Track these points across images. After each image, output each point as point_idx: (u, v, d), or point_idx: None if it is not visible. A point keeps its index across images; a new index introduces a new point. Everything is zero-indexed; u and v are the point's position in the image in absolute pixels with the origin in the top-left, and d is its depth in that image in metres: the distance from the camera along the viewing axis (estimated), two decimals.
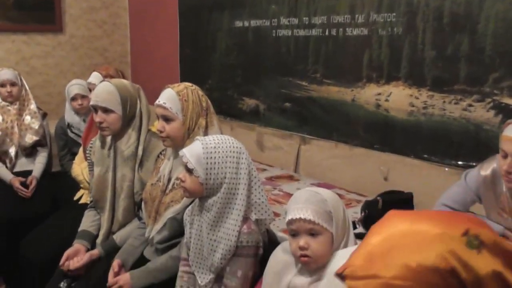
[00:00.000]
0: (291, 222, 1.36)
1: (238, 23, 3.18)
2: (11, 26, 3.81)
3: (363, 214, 1.68)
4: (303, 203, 1.36)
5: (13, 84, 3.01)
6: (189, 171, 1.57)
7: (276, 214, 1.79)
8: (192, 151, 1.58)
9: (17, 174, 2.99)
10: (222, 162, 1.58)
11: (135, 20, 4.32)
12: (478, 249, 0.81)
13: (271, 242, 1.72)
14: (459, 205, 1.77)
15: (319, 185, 2.42)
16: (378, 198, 1.68)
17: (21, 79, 3.10)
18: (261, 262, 1.60)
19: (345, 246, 1.40)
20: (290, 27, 2.79)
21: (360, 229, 1.68)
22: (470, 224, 0.84)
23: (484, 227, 0.86)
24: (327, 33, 2.60)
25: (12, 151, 3.02)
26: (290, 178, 2.56)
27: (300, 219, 1.34)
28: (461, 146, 2.10)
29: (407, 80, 2.27)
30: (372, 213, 1.66)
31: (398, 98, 2.31)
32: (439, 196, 1.83)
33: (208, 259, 1.62)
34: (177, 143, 1.82)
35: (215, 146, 1.58)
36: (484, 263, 0.80)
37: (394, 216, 0.92)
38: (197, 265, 1.67)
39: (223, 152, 1.59)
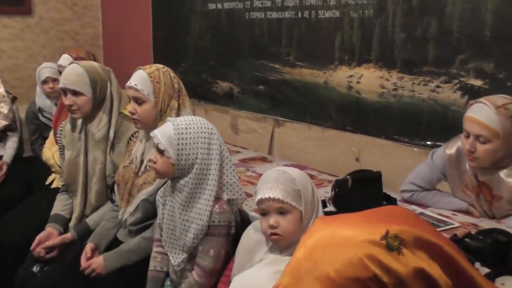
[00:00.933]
0: (260, 201, 1.38)
1: (211, 5, 3.15)
2: None
3: (333, 192, 1.71)
4: (272, 182, 1.38)
5: None
6: (161, 152, 1.58)
7: (249, 195, 1.81)
8: (163, 132, 1.58)
9: None
10: (194, 143, 1.58)
11: (107, 2, 4.24)
12: (398, 250, 0.82)
13: (244, 222, 1.74)
14: (426, 183, 1.82)
15: (291, 165, 2.45)
16: (348, 177, 1.71)
17: None
18: (234, 241, 1.62)
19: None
20: (263, 9, 2.79)
21: (330, 208, 1.71)
22: (390, 223, 0.85)
23: (405, 222, 0.87)
24: (299, 15, 2.60)
25: None
26: (263, 159, 2.58)
27: (269, 198, 1.36)
28: (430, 126, 2.15)
29: (377, 62, 2.30)
30: (342, 192, 1.69)
31: (369, 80, 2.35)
32: (408, 176, 1.89)
33: (180, 239, 1.63)
34: (149, 125, 1.81)
35: (186, 127, 1.59)
36: (405, 264, 0.81)
37: (319, 224, 0.94)
38: (170, 245, 1.68)
39: (194, 132, 1.59)
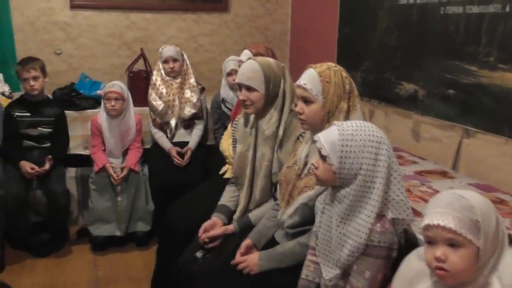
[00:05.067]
0: (427, 227, 1.17)
1: (403, 0, 2.90)
2: (184, 6, 4.09)
3: None
4: (444, 207, 1.15)
5: (175, 60, 3.23)
6: (323, 157, 1.47)
7: (419, 214, 1.59)
8: (327, 137, 1.47)
9: (175, 144, 3.22)
10: (359, 152, 1.43)
11: None
12: None
13: (409, 245, 1.53)
14: None
15: (477, 185, 2.10)
16: None
17: (182, 55, 3.30)
18: (395, 265, 1.43)
19: (496, 264, 1.17)
20: (462, 3, 2.44)
21: None
22: None
23: None
24: (507, 9, 2.20)
25: (173, 122, 3.26)
26: (444, 174, 2.27)
27: (438, 226, 1.14)
28: None
29: None
30: None
31: None
32: None
33: (335, 253, 1.51)
34: (316, 126, 1.72)
35: (353, 134, 1.45)
36: None
37: None
38: (323, 257, 1.57)
39: (361, 140, 1.44)
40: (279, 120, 2.02)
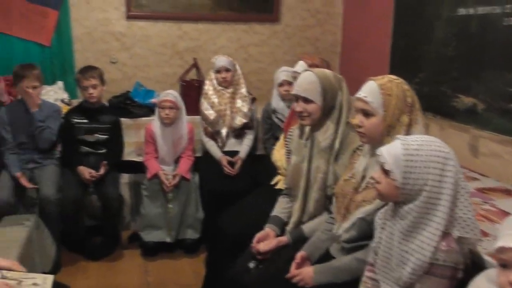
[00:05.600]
0: (502, 250, 1.12)
1: (462, 11, 2.83)
2: (234, 16, 4.14)
3: None
4: None
5: (227, 70, 3.26)
6: (385, 172, 1.44)
7: (485, 234, 1.53)
8: (390, 151, 1.44)
9: (226, 153, 3.25)
10: (424, 167, 1.40)
11: (349, 8, 4.25)
12: None
13: (475, 266, 1.47)
14: None
15: None
16: None
17: (234, 65, 3.33)
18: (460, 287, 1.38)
19: None
20: None
21: None
22: None
23: None
24: None
25: (223, 131, 3.29)
26: (507, 192, 2.17)
27: None
28: None
29: None
30: None
31: None
32: None
33: (396, 271, 1.47)
34: (375, 140, 1.70)
35: (418, 148, 1.41)
36: None
37: None
38: (383, 274, 1.53)
39: (426, 155, 1.41)
40: (336, 132, 2.01)
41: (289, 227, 2.12)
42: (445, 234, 1.39)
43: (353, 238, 1.75)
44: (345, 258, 1.75)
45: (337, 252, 1.84)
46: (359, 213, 1.72)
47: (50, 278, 1.67)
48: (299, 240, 2.01)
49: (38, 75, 3.04)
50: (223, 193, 3.03)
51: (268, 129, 3.33)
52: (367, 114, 1.69)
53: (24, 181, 2.92)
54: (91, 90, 3.09)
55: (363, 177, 1.76)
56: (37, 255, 2.49)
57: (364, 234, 1.71)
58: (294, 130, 2.20)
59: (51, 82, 3.72)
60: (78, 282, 2.84)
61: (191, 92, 3.54)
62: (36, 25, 3.73)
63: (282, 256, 2.00)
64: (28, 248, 2.35)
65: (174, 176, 3.10)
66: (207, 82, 3.36)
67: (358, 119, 1.71)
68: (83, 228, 3.11)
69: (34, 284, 1.62)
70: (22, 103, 3.08)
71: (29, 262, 2.28)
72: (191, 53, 4.06)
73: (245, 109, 3.30)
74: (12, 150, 3.06)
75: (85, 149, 3.18)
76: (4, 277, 1.60)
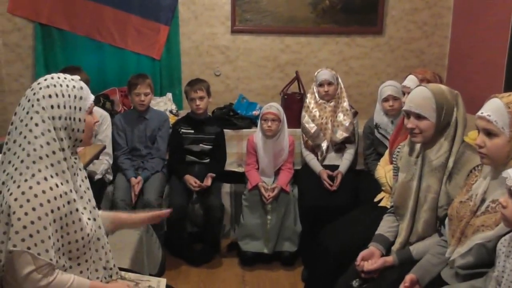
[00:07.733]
0: None
1: None
2: (337, 29, 4.11)
3: None
4: None
5: (330, 83, 3.24)
6: None
7: None
8: None
9: (326, 167, 3.22)
10: None
11: (459, 20, 4.03)
12: None
13: None
14: None
15: None
16: None
17: (337, 79, 3.30)
18: None
19: None
20: None
21: None
22: None
23: None
24: None
25: (324, 145, 3.26)
26: None
27: None
28: None
29: None
30: None
31: None
32: None
33: None
34: (498, 161, 1.58)
35: None
36: None
37: None
38: None
39: None
40: (450, 150, 1.91)
41: (395, 247, 2.04)
42: None
43: (469, 265, 1.64)
44: (460, 285, 1.65)
45: (450, 278, 1.74)
46: (478, 238, 1.61)
47: (163, 281, 1.76)
48: (406, 261, 1.94)
49: (150, 84, 3.28)
50: (322, 207, 3.00)
51: (370, 144, 3.24)
52: (490, 134, 1.58)
53: (137, 187, 3.12)
54: (198, 102, 3.24)
55: (483, 200, 1.65)
56: (146, 258, 2.63)
57: (481, 261, 1.61)
58: (403, 147, 2.12)
59: (160, 93, 3.95)
60: (180, 286, 2.95)
61: (293, 105, 3.56)
62: (149, 40, 3.99)
63: (388, 277, 1.93)
64: (139, 251, 2.50)
65: (273, 188, 3.13)
66: (308, 95, 3.37)
67: (480, 139, 1.61)
68: (185, 234, 3.24)
69: (149, 286, 1.71)
70: (135, 111, 3.31)
71: (139, 264, 2.42)
72: (292, 66, 4.09)
73: (346, 123, 3.25)
74: (126, 155, 3.29)
75: (191, 158, 3.33)
76: (123, 278, 1.71)
